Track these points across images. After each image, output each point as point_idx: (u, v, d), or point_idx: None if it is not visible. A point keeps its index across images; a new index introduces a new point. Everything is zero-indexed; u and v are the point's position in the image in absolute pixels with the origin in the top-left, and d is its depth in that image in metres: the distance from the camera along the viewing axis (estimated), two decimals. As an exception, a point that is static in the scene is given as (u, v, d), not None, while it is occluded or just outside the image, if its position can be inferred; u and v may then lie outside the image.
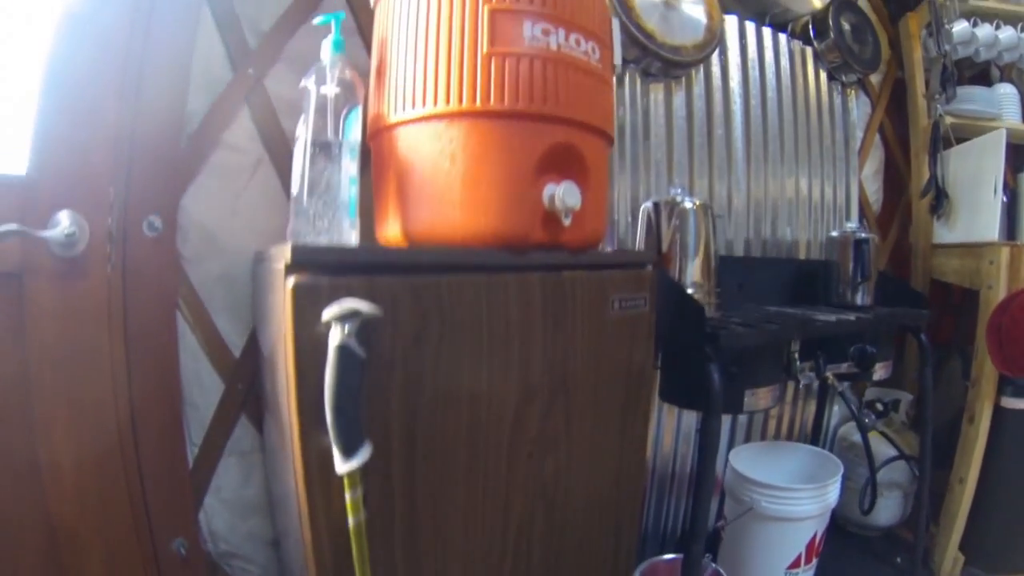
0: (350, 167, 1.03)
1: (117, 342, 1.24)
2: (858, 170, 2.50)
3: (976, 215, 2.24)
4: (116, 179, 1.24)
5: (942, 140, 2.38)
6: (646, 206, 1.66)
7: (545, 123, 1.03)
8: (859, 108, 2.57)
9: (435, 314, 0.97)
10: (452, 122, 1.01)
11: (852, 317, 1.75)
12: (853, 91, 2.47)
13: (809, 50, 2.37)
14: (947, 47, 2.38)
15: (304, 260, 0.87)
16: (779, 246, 2.24)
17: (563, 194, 1.03)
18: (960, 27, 2.44)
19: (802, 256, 2.30)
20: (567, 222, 1.05)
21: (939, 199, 2.37)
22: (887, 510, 2.32)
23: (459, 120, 1.01)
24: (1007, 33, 2.50)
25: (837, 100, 2.44)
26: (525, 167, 1.02)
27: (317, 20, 1.10)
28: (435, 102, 1.01)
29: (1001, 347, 2.03)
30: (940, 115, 2.37)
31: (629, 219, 1.89)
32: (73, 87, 1.18)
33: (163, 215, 1.31)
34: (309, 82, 1.03)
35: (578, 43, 1.06)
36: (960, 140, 2.41)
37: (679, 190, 1.69)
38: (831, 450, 2.42)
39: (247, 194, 1.44)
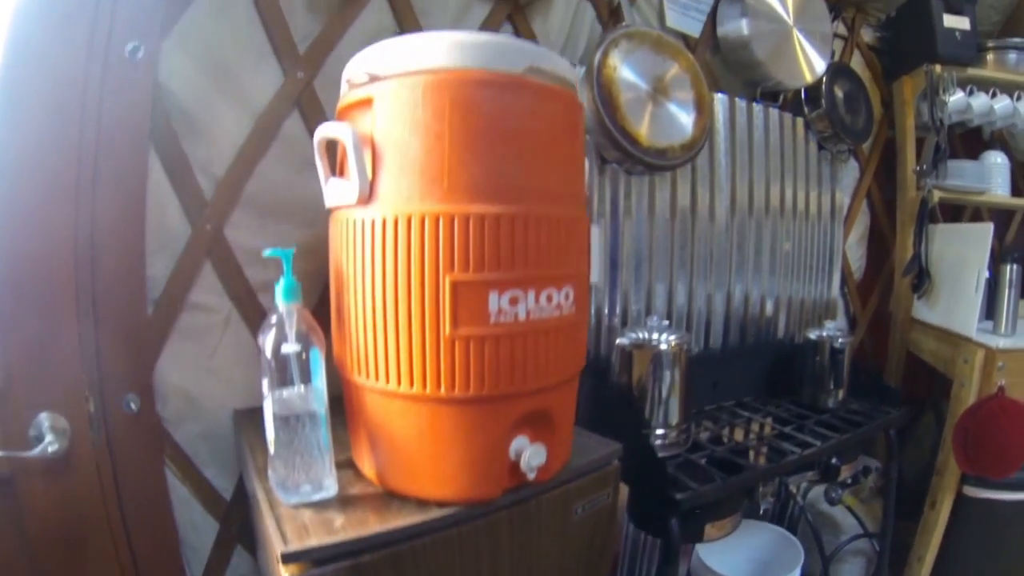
0: (321, 416, 0.95)
1: (113, 514, 1.21)
2: (843, 240, 2.39)
3: (956, 304, 2.15)
4: (87, 364, 1.16)
5: (928, 216, 2.27)
6: (621, 342, 1.57)
7: (516, 399, 0.94)
8: (847, 174, 2.44)
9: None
10: (416, 403, 0.92)
11: (820, 444, 1.68)
12: (842, 159, 2.33)
13: (800, 121, 2.22)
14: (941, 118, 2.24)
15: (294, 558, 0.84)
16: (758, 323, 2.16)
17: (529, 457, 0.94)
18: (956, 98, 2.29)
19: (780, 332, 2.21)
20: (532, 476, 0.97)
21: (921, 278, 2.28)
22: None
23: (423, 403, 0.91)
24: (1003, 103, 2.35)
25: (826, 170, 2.29)
26: (495, 437, 0.94)
27: (266, 253, 0.97)
28: (398, 382, 0.91)
29: (966, 448, 2.00)
30: (929, 191, 2.25)
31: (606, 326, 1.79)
32: (29, 284, 1.10)
33: (140, 392, 1.24)
34: (266, 340, 0.91)
35: (550, 299, 0.94)
36: (949, 203, 2.32)
37: (655, 321, 1.59)
38: (800, 514, 2.40)
39: (221, 351, 1.36)
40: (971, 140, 2.64)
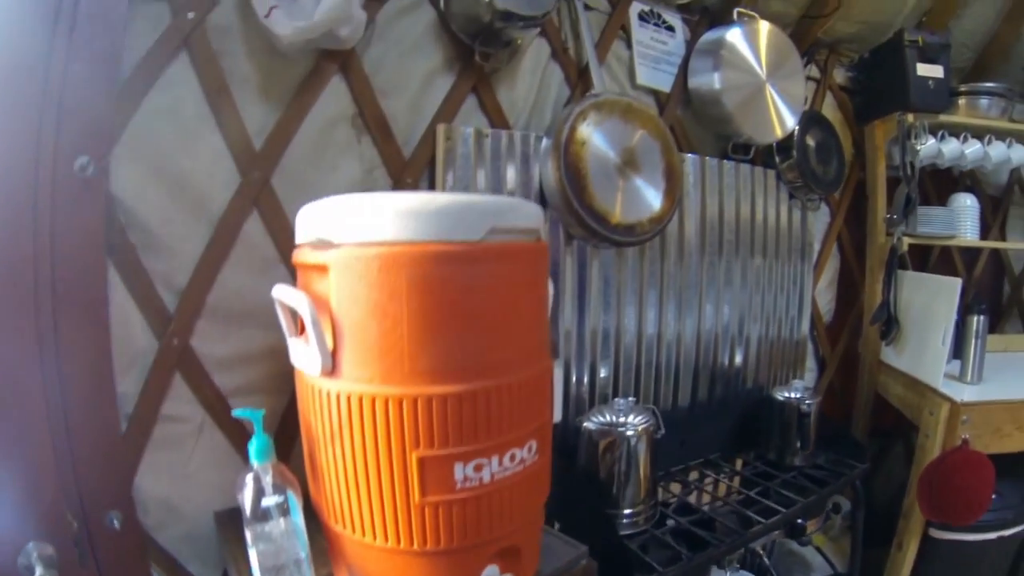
0: (304, 559, 0.95)
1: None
2: (812, 286, 2.37)
3: (923, 353, 2.13)
4: (67, 488, 1.12)
5: (897, 264, 2.25)
6: (587, 427, 1.54)
7: (485, 546, 0.94)
8: (818, 219, 2.41)
9: None
10: (390, 554, 0.91)
11: (785, 511, 1.67)
12: (813, 208, 2.30)
13: (771, 173, 2.18)
14: (913, 167, 2.20)
15: None
16: (727, 373, 2.14)
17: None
18: (927, 144, 2.25)
19: (750, 382, 2.20)
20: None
21: (889, 325, 2.26)
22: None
23: (397, 555, 0.91)
24: (973, 148, 2.32)
25: (796, 219, 2.27)
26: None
27: (235, 413, 0.95)
28: (373, 536, 0.90)
29: (931, 499, 2.00)
30: (898, 239, 2.22)
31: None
32: None
33: (121, 508, 1.20)
34: (245, 496, 0.91)
35: (513, 458, 0.93)
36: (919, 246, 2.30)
37: (622, 403, 1.57)
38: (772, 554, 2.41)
39: (197, 456, 1.32)
40: (941, 178, 2.60)
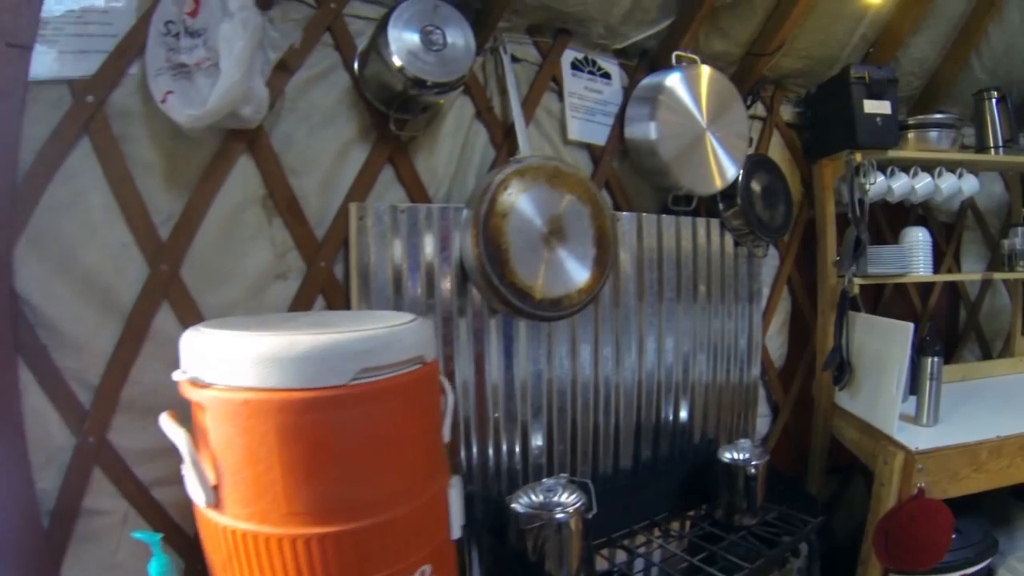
0: None
1: None
2: (763, 332, 2.26)
3: (877, 399, 2.02)
4: None
5: (848, 306, 2.14)
6: (516, 508, 1.42)
7: None
8: (768, 262, 2.29)
9: None
10: None
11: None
12: (760, 255, 2.18)
13: (715, 223, 2.06)
14: (862, 209, 2.09)
15: None
16: (672, 429, 2.02)
17: None
18: (876, 183, 2.14)
19: (697, 436, 2.08)
20: None
21: (842, 370, 2.14)
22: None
23: None
24: (923, 182, 2.20)
25: (743, 267, 2.15)
26: None
27: (133, 534, 0.97)
28: None
29: (887, 548, 1.89)
30: (849, 282, 2.11)
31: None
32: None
33: None
34: None
35: None
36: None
37: (552, 482, 1.45)
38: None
39: (123, 547, 1.26)
40: (893, 211, 2.49)
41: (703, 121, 1.85)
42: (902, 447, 1.86)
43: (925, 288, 2.62)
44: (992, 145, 2.34)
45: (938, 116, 2.21)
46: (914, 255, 2.24)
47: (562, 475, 1.52)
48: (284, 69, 1.39)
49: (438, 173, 1.63)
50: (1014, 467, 1.89)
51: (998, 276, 2.38)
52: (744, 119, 1.95)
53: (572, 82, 1.88)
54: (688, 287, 1.97)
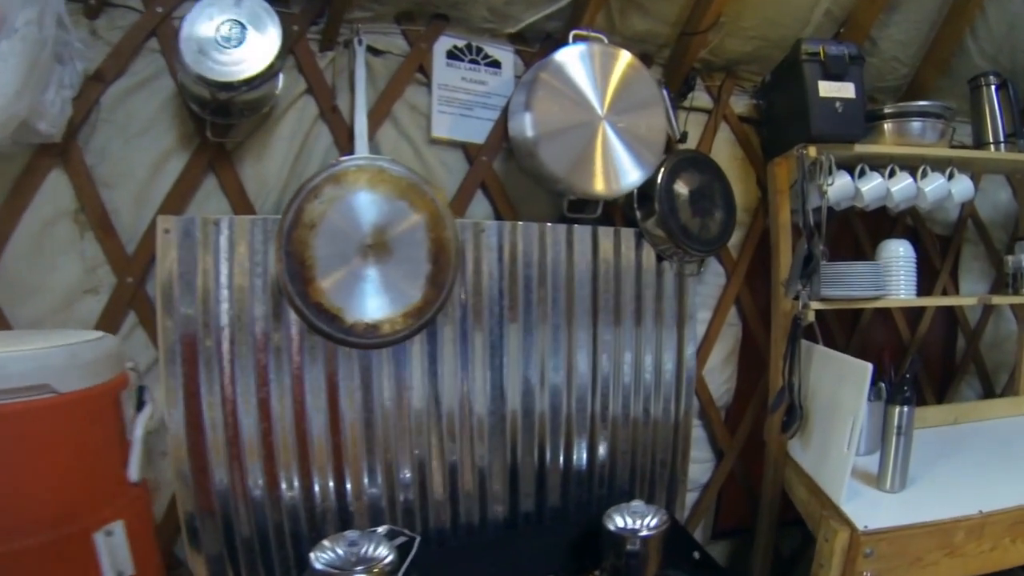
0: None
1: None
2: (698, 364, 1.79)
3: (826, 455, 1.52)
4: None
5: (803, 336, 1.66)
6: (314, 564, 1.05)
7: None
8: (711, 281, 1.83)
9: None
10: None
11: None
12: (691, 272, 1.72)
13: (629, 234, 1.62)
14: (817, 218, 1.61)
15: None
16: (565, 477, 1.60)
17: None
18: (840, 182, 1.65)
19: (602, 485, 1.65)
20: None
21: (792, 414, 1.66)
22: None
23: None
24: (902, 183, 1.70)
25: (669, 286, 1.69)
26: None
27: None
28: None
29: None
30: (803, 308, 1.63)
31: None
32: None
33: None
34: None
35: None
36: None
37: (354, 535, 1.08)
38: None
39: None
40: (876, 219, 1.98)
41: (600, 109, 1.41)
42: (847, 522, 1.38)
43: (915, 313, 2.09)
44: (992, 141, 1.81)
45: (922, 103, 1.70)
46: (892, 274, 1.73)
47: (384, 526, 1.14)
48: (100, 79, 1.25)
49: (268, 181, 1.35)
50: (999, 551, 1.38)
51: (998, 300, 1.84)
52: (661, 110, 1.50)
53: (444, 73, 1.50)
54: (585, 308, 1.54)
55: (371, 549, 1.09)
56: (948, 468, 1.59)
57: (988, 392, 2.17)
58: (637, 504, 1.38)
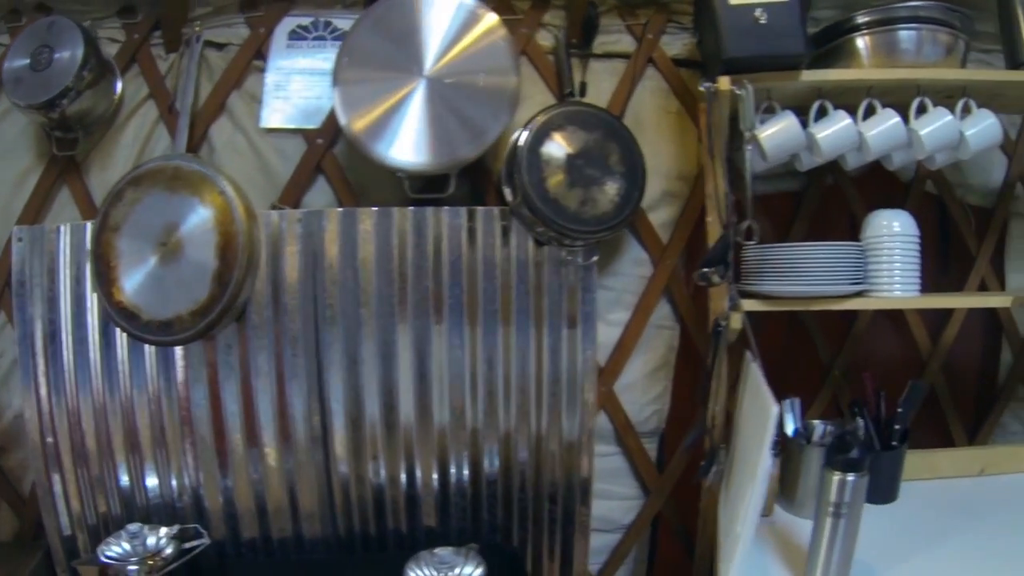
0: None
1: None
2: (597, 377, 1.27)
3: (731, 525, 0.98)
4: None
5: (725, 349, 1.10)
6: None
7: None
8: (635, 268, 1.30)
9: None
10: None
11: None
12: (578, 264, 1.21)
13: (488, 215, 1.16)
14: (739, 179, 1.05)
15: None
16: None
17: None
18: (777, 128, 1.08)
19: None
20: None
21: (712, 456, 1.11)
22: None
23: None
24: (882, 125, 1.09)
25: (553, 278, 1.20)
26: None
27: None
28: None
29: None
30: (729, 308, 1.08)
31: None
32: None
33: None
34: None
35: None
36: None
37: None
38: None
39: None
40: (882, 185, 1.35)
41: (425, 66, 1.07)
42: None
43: (938, 314, 1.42)
44: None
45: (914, 3, 1.08)
46: (880, 261, 1.13)
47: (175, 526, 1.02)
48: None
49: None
50: None
51: None
52: (507, 55, 1.05)
53: (283, 56, 1.22)
54: (424, 307, 1.11)
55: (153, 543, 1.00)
56: (937, 558, 0.97)
57: None
58: (444, 552, 0.94)
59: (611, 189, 1.10)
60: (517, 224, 1.13)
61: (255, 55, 1.23)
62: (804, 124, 1.04)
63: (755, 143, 1.02)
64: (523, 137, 1.08)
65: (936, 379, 1.34)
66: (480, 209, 1.12)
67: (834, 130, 1.05)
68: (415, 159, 1.04)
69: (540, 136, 1.09)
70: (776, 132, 1.04)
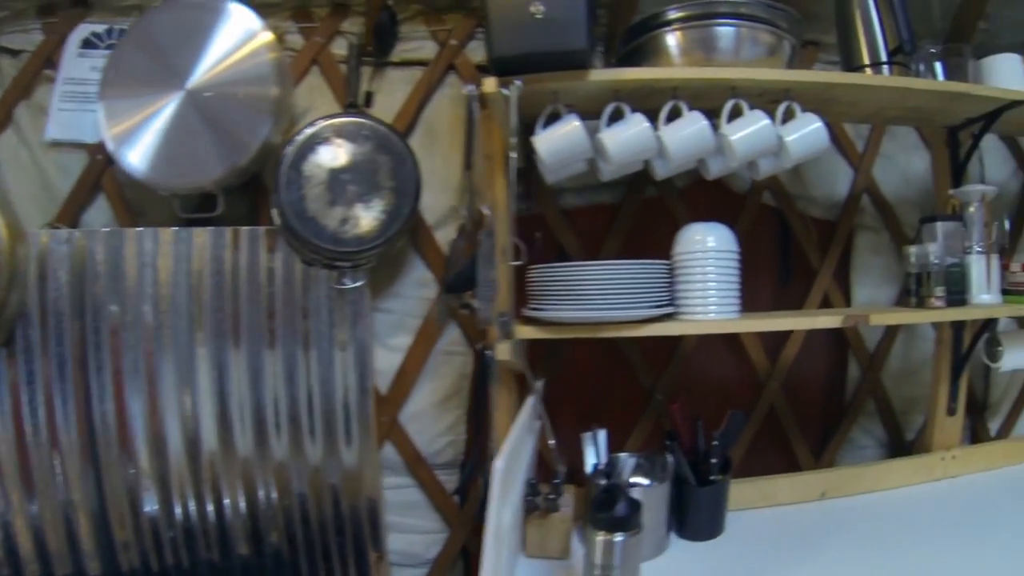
0: None
1: None
2: (385, 414, 1.09)
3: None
4: None
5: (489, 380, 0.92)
6: None
7: None
8: (409, 292, 1.13)
9: None
10: None
11: None
12: (348, 278, 1.04)
13: (258, 234, 1.00)
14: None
15: None
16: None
17: None
18: (553, 133, 0.89)
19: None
20: None
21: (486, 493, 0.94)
22: None
23: None
24: (687, 129, 0.90)
25: (321, 298, 1.03)
26: None
27: None
28: None
29: None
30: (501, 337, 0.90)
31: None
32: None
33: None
34: None
35: None
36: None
37: None
38: None
39: None
40: (724, 198, 1.16)
41: (185, 80, 0.93)
42: None
43: (774, 337, 1.23)
44: (868, 63, 0.97)
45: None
46: (690, 280, 0.95)
47: None
48: None
49: None
50: None
51: (878, 319, 0.98)
52: (268, 65, 0.89)
53: (74, 65, 1.07)
54: (185, 328, 0.97)
55: None
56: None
57: (896, 443, 1.26)
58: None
59: (377, 206, 0.93)
60: (285, 245, 0.96)
61: (46, 64, 1.08)
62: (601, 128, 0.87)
63: (516, 150, 0.84)
64: (287, 152, 0.91)
65: (777, 399, 1.16)
66: (244, 229, 0.96)
67: (626, 135, 0.88)
68: (153, 174, 0.88)
69: (303, 151, 0.93)
70: (554, 138, 0.87)
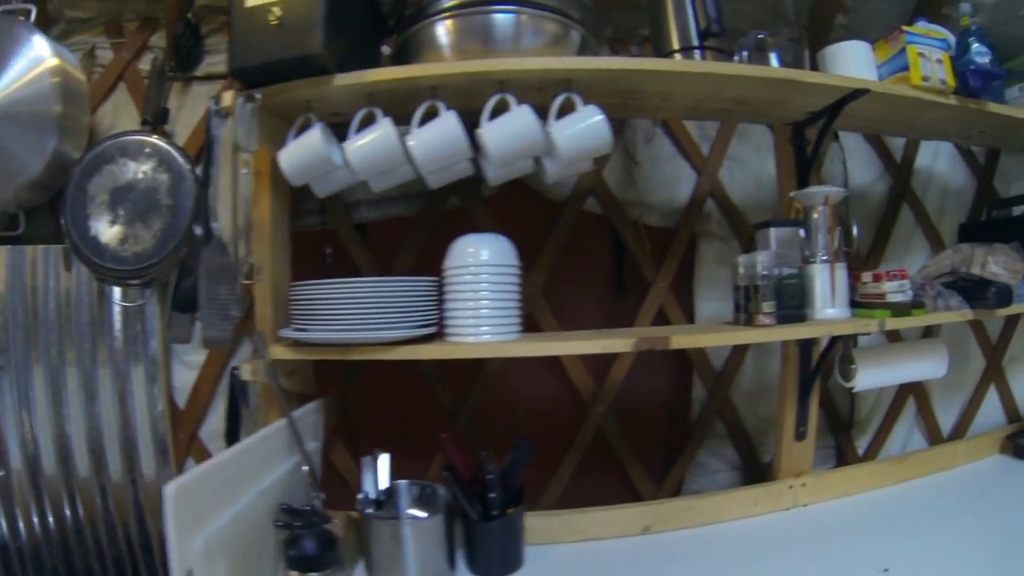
0: None
1: None
2: (181, 435, 1.05)
3: None
4: None
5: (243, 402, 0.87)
6: None
7: None
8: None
9: None
10: None
11: None
12: (130, 294, 1.01)
13: (53, 252, 1.00)
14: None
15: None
16: None
17: None
18: (290, 148, 0.82)
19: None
20: None
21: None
22: None
23: None
24: (439, 129, 0.81)
25: (117, 318, 1.02)
26: None
27: None
28: None
29: None
30: (255, 359, 0.85)
31: None
32: None
33: None
34: None
35: None
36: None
37: None
38: None
39: None
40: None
41: None
42: None
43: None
44: (679, 47, 0.83)
45: None
46: (460, 298, 0.86)
47: None
48: None
49: None
50: None
51: (681, 341, 0.84)
52: (49, 83, 0.89)
53: None
54: None
55: None
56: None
57: (749, 463, 1.08)
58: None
59: (155, 224, 0.90)
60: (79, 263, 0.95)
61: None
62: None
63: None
64: (74, 171, 0.90)
65: (606, 422, 1.03)
66: (41, 248, 0.96)
67: (366, 142, 0.79)
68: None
69: (89, 170, 0.92)
70: (294, 151, 0.80)
